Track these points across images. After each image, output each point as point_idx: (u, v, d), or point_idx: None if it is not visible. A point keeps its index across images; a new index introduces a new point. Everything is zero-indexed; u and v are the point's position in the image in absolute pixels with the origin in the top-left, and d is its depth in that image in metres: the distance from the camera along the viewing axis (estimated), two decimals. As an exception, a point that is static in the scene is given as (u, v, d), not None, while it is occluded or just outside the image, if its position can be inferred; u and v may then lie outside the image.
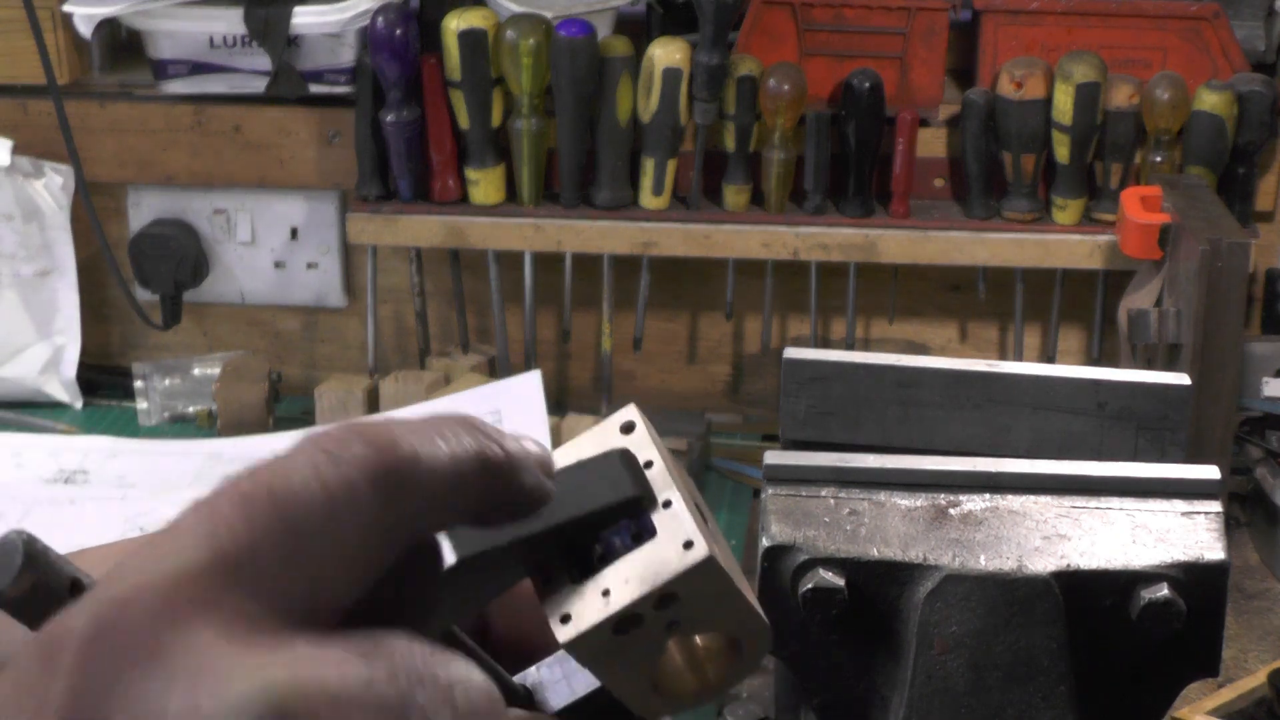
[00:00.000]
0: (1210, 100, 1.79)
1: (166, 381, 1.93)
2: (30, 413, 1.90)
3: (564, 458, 0.51)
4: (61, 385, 1.94)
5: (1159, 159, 1.82)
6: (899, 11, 1.85)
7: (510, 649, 0.54)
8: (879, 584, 0.75)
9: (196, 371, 1.93)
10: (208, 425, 1.87)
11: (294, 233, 1.98)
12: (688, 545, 0.48)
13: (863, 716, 0.76)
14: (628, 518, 0.49)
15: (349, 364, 2.01)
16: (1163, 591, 0.73)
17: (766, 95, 1.80)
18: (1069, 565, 0.74)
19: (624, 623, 0.48)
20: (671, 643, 0.51)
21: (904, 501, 0.77)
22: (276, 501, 0.42)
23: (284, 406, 1.90)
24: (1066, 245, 1.85)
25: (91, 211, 1.88)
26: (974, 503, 0.77)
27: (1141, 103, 1.80)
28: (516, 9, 1.81)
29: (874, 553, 0.75)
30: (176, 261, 1.94)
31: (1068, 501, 0.77)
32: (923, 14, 1.85)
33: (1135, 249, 1.65)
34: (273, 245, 1.98)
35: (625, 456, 0.51)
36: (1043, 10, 1.86)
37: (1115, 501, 0.77)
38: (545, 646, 0.54)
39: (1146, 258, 1.65)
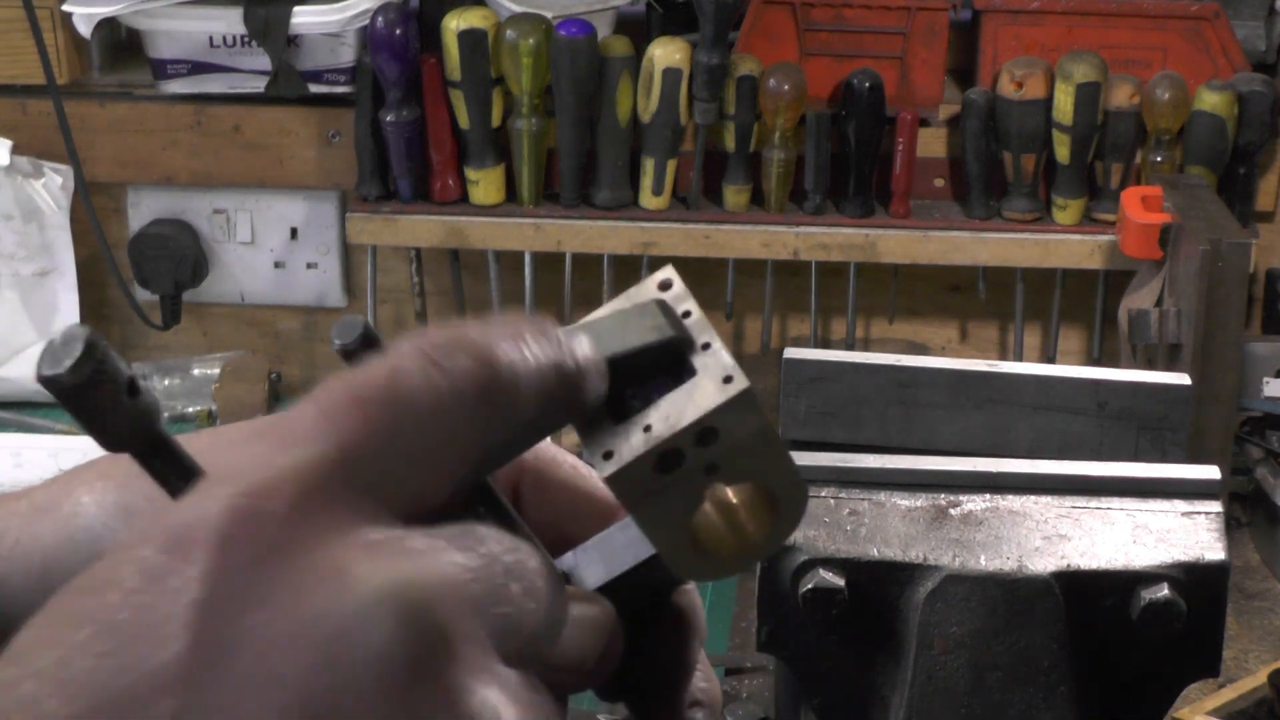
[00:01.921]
0: (1210, 100, 1.79)
1: (166, 382, 1.93)
2: (30, 413, 1.90)
3: (603, 313, 0.52)
4: (61, 385, 1.94)
5: (1159, 159, 1.82)
6: (899, 11, 1.85)
7: (546, 545, 0.54)
8: (879, 584, 0.75)
9: (196, 372, 1.93)
10: (208, 425, 1.87)
11: (294, 233, 1.98)
12: (727, 380, 0.49)
13: (863, 716, 0.76)
14: (668, 361, 0.50)
15: (349, 364, 2.00)
16: (1163, 592, 0.72)
17: (766, 95, 1.80)
18: (1069, 565, 0.74)
19: (665, 458, 0.49)
20: (710, 501, 0.51)
21: (904, 501, 0.77)
22: (394, 405, 0.44)
23: (284, 406, 1.90)
24: (1067, 245, 1.85)
25: (91, 211, 1.88)
26: (974, 503, 0.77)
27: (1142, 103, 1.80)
28: (516, 9, 1.81)
29: (874, 553, 0.75)
30: (176, 261, 1.94)
31: (1068, 501, 0.77)
32: (923, 14, 1.85)
33: (1135, 249, 1.65)
34: (273, 245, 1.98)
35: (663, 305, 0.52)
36: (1043, 10, 1.86)
37: (1115, 501, 0.77)
38: (580, 538, 0.55)
39: (1146, 258, 1.65)
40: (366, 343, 0.48)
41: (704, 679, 0.56)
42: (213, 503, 0.41)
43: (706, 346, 0.50)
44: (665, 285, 0.53)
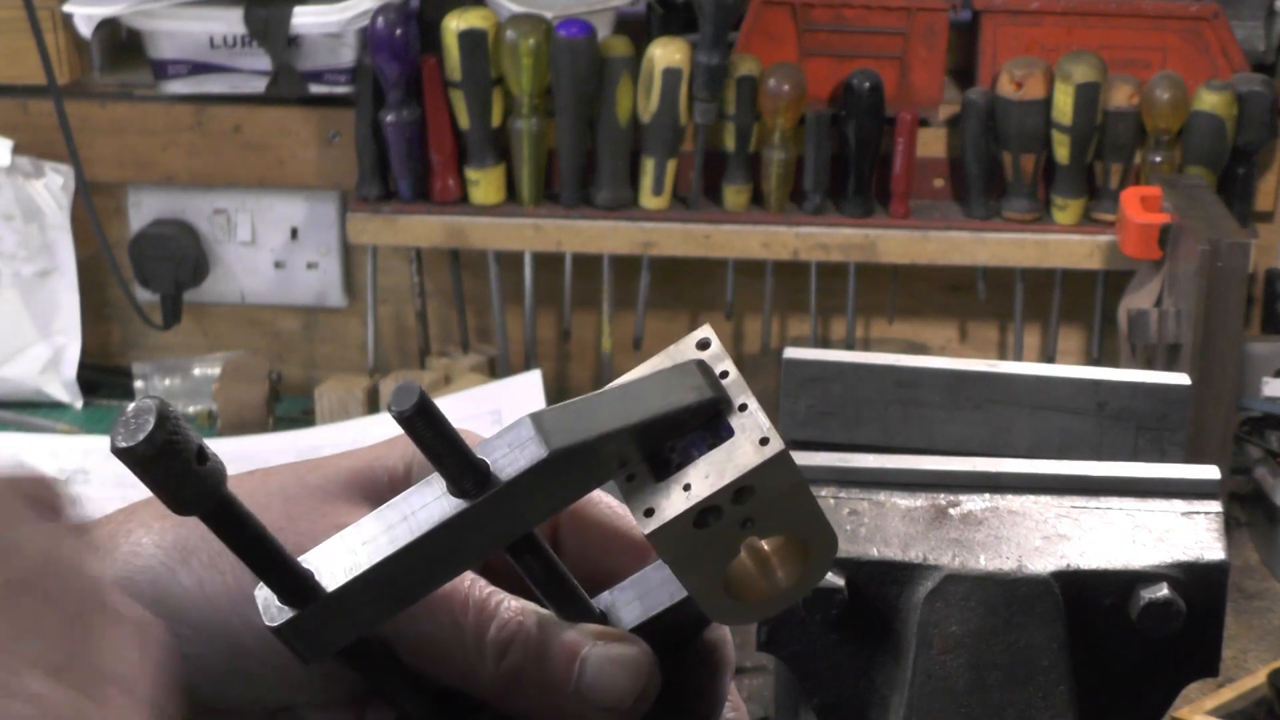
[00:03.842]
0: (1210, 100, 1.79)
1: (166, 381, 1.93)
2: (30, 413, 1.90)
3: (643, 372, 0.54)
4: (62, 385, 1.94)
5: (1159, 159, 1.82)
6: (899, 11, 1.85)
7: (582, 580, 0.56)
8: (879, 584, 0.75)
9: (196, 371, 1.93)
10: (208, 425, 1.87)
11: (294, 233, 1.98)
12: (764, 442, 0.51)
13: (863, 716, 0.76)
14: (706, 420, 0.52)
15: (349, 364, 2.00)
16: (1163, 591, 0.73)
17: (766, 95, 1.80)
18: (1069, 565, 0.74)
19: (704, 515, 0.51)
20: (744, 550, 0.53)
21: (904, 501, 0.77)
22: None
23: (284, 406, 1.90)
24: (1066, 245, 1.85)
25: (91, 211, 1.88)
26: (974, 503, 0.77)
27: (1141, 103, 1.80)
28: (516, 9, 1.81)
29: (874, 553, 0.75)
30: (176, 261, 1.94)
31: (1068, 501, 0.77)
32: (923, 14, 1.85)
33: (1135, 249, 1.65)
34: (273, 245, 1.98)
35: (702, 366, 0.54)
36: (1043, 10, 1.86)
37: (1115, 501, 0.77)
38: (615, 575, 0.57)
39: (1146, 258, 1.65)
40: (423, 412, 0.49)
41: (732, 709, 0.57)
42: None
43: (744, 407, 0.52)
44: (704, 344, 0.55)
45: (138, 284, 1.95)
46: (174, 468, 0.47)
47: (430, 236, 1.87)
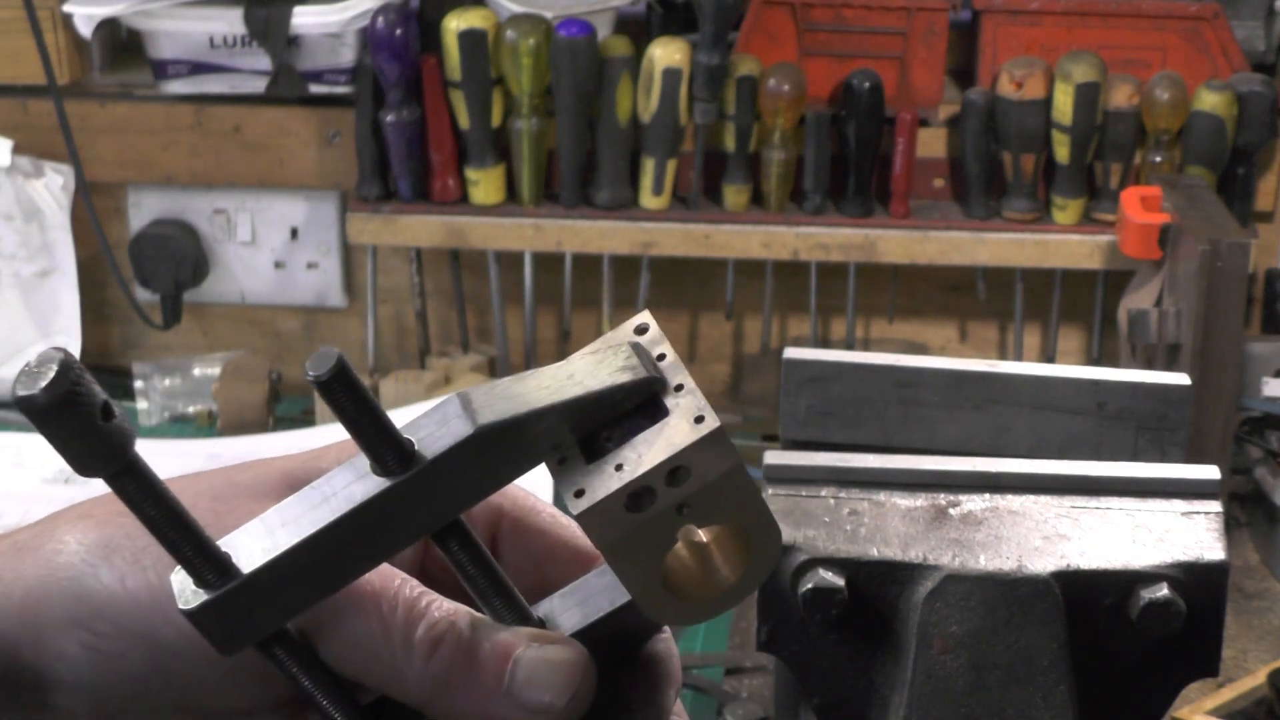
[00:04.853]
0: (1210, 100, 1.79)
1: (166, 381, 1.93)
2: (30, 413, 1.90)
3: (582, 354, 0.53)
4: (61, 385, 1.94)
5: (1159, 159, 1.82)
6: (899, 11, 1.85)
7: (524, 592, 0.55)
8: (879, 584, 0.75)
9: (196, 371, 1.93)
10: (208, 425, 1.87)
11: (294, 233, 1.98)
12: (698, 420, 0.49)
13: (863, 716, 0.76)
14: (641, 402, 0.50)
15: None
16: (1163, 591, 0.73)
17: (766, 95, 1.80)
18: (1069, 565, 0.74)
19: (637, 497, 0.49)
20: (683, 543, 0.51)
21: (904, 501, 0.77)
22: None
23: (284, 406, 1.90)
24: (1066, 245, 1.85)
25: (91, 211, 1.88)
26: (974, 503, 0.77)
27: (1141, 103, 1.80)
28: (516, 9, 1.81)
29: (874, 553, 0.75)
30: (176, 261, 1.94)
31: (1068, 501, 0.77)
32: (923, 14, 1.85)
33: (1135, 249, 1.65)
34: (273, 245, 1.98)
35: (637, 348, 0.52)
36: (1043, 10, 1.86)
37: (1115, 501, 0.77)
38: (554, 584, 0.55)
39: (1146, 258, 1.65)
40: (341, 377, 0.48)
41: None
42: None
43: (680, 388, 0.51)
44: (642, 329, 0.53)
45: (138, 284, 1.95)
46: (75, 422, 0.44)
47: (430, 236, 1.87)
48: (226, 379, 1.85)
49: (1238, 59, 1.85)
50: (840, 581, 0.74)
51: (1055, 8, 1.86)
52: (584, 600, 0.55)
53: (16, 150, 1.90)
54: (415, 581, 0.53)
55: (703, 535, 0.52)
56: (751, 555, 0.52)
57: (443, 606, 0.52)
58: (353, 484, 0.49)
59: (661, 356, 0.52)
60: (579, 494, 0.49)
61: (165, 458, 1.77)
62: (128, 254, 1.94)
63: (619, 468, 0.49)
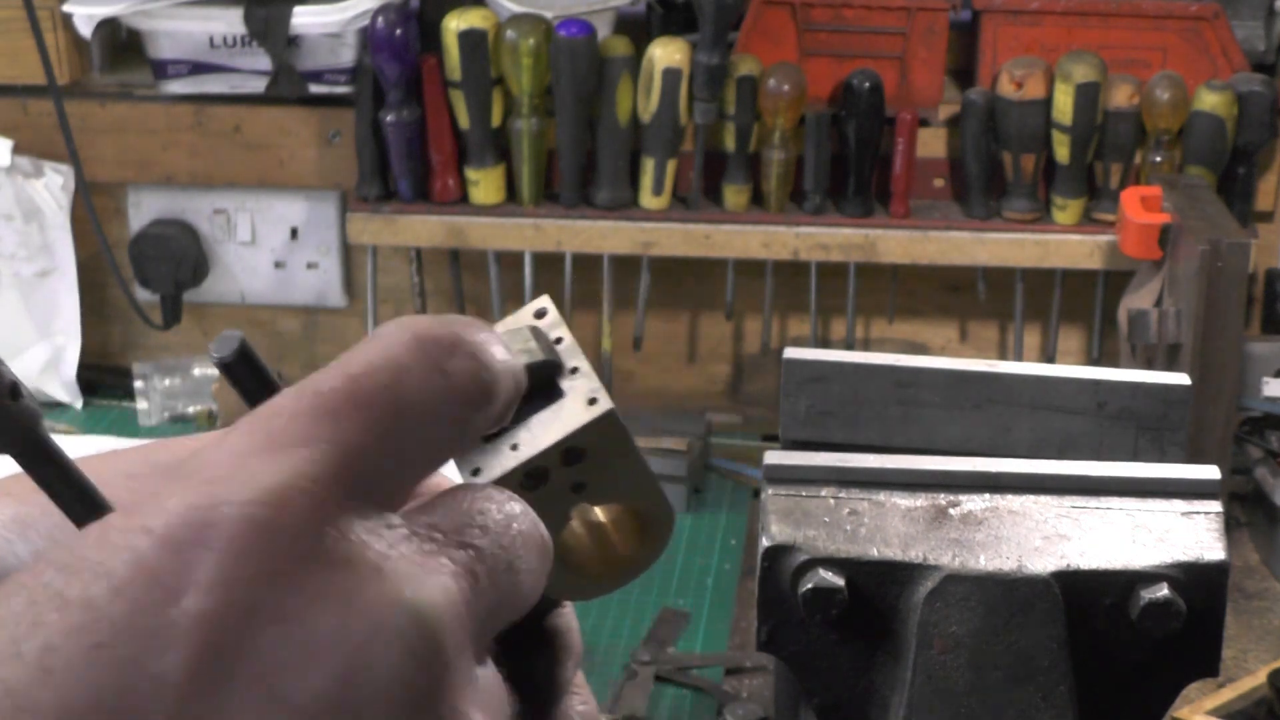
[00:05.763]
0: (1210, 100, 1.79)
1: (166, 381, 1.93)
2: (30, 413, 1.90)
3: None
4: (62, 385, 1.94)
5: (1159, 159, 1.82)
6: (899, 11, 1.85)
7: None
8: (879, 584, 0.75)
9: (196, 371, 1.93)
10: (208, 425, 1.87)
11: (294, 233, 1.98)
12: (592, 401, 0.51)
13: (863, 716, 0.76)
14: (538, 384, 0.52)
15: (349, 364, 2.00)
16: (1163, 591, 0.73)
17: (766, 95, 1.80)
18: (1069, 565, 0.74)
19: (531, 476, 0.51)
20: (578, 520, 0.54)
21: (904, 501, 0.77)
22: (396, 408, 0.44)
23: (284, 406, 1.90)
24: (1066, 245, 1.85)
25: (91, 211, 1.88)
26: (974, 503, 0.77)
27: (1141, 103, 1.80)
28: (516, 9, 1.81)
29: (874, 553, 0.75)
30: (176, 261, 1.94)
31: (1068, 501, 0.77)
32: (923, 14, 1.85)
33: (1135, 249, 1.65)
34: (273, 245, 1.98)
35: (535, 331, 0.54)
36: (1043, 10, 1.86)
37: (1115, 501, 0.77)
38: None
39: (1146, 258, 1.65)
40: (244, 358, 0.49)
41: (582, 702, 0.56)
42: (223, 507, 0.40)
43: (575, 370, 0.52)
44: (540, 314, 0.55)
45: (138, 284, 1.95)
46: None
47: (430, 236, 1.87)
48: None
49: (1238, 59, 1.85)
50: (840, 581, 0.74)
51: (1055, 8, 1.86)
52: None
53: (16, 150, 1.90)
54: None
55: (599, 514, 0.54)
56: (646, 534, 0.54)
57: None
58: None
59: (559, 340, 0.54)
60: (475, 472, 0.51)
61: (165, 458, 1.77)
62: (127, 254, 1.94)
63: (515, 447, 0.51)
